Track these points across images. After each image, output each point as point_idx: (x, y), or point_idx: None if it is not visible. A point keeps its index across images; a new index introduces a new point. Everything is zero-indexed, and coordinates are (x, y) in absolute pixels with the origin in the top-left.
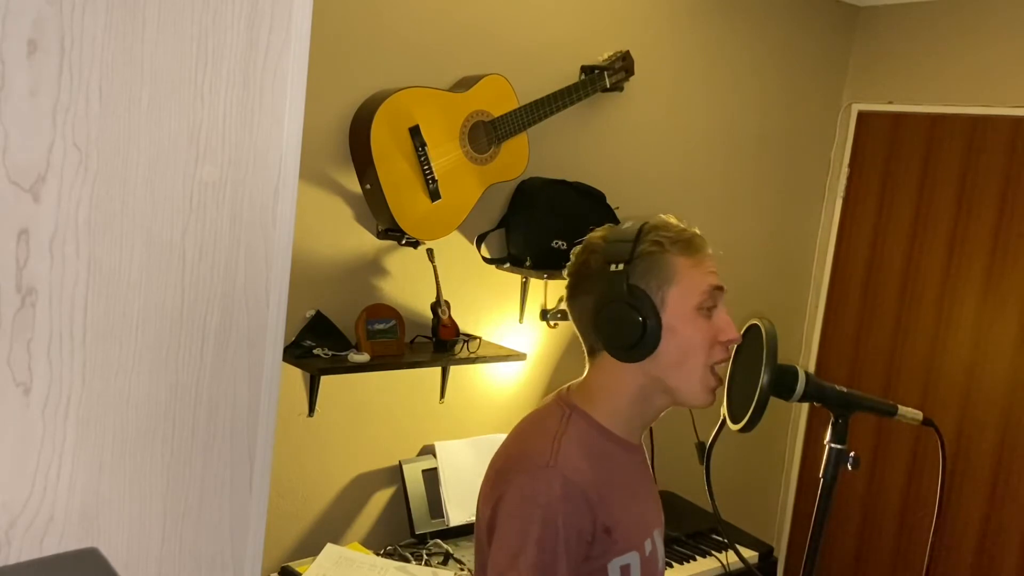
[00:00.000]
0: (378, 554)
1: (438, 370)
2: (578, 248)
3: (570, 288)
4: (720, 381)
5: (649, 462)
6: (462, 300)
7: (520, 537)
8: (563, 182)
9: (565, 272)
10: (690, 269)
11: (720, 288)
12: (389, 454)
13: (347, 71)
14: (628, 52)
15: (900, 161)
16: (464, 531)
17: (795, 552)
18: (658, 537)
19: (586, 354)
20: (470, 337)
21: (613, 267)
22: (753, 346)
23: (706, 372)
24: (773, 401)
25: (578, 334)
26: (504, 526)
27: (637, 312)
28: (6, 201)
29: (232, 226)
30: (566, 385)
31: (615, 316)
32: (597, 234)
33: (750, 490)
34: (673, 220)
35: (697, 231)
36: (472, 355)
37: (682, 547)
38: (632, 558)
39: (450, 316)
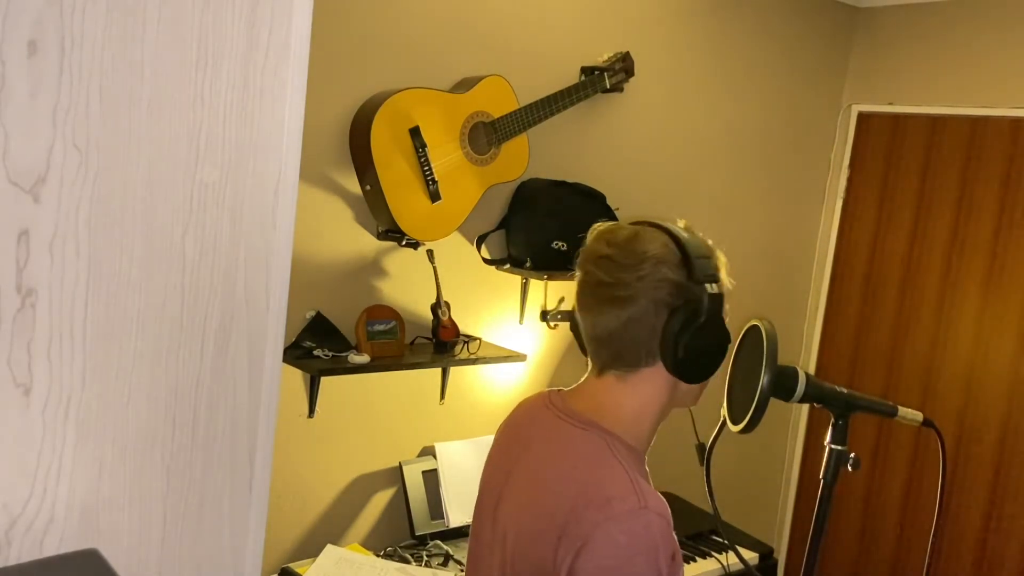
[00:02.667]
0: (378, 555)
1: (438, 371)
2: (618, 252)
3: (620, 300)
4: None
5: None
6: (462, 301)
7: None
8: (563, 183)
9: (600, 273)
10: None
11: None
12: (389, 455)
13: (347, 72)
14: (628, 53)
15: (900, 162)
16: (464, 532)
17: (795, 553)
18: None
19: (606, 366)
20: (470, 338)
21: (711, 287)
22: (753, 347)
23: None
24: (773, 402)
25: (604, 345)
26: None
27: (728, 335)
28: (6, 202)
29: (232, 227)
30: (549, 395)
31: (709, 337)
32: (645, 238)
33: (750, 491)
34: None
35: None
36: (472, 356)
37: (682, 548)
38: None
39: (450, 317)
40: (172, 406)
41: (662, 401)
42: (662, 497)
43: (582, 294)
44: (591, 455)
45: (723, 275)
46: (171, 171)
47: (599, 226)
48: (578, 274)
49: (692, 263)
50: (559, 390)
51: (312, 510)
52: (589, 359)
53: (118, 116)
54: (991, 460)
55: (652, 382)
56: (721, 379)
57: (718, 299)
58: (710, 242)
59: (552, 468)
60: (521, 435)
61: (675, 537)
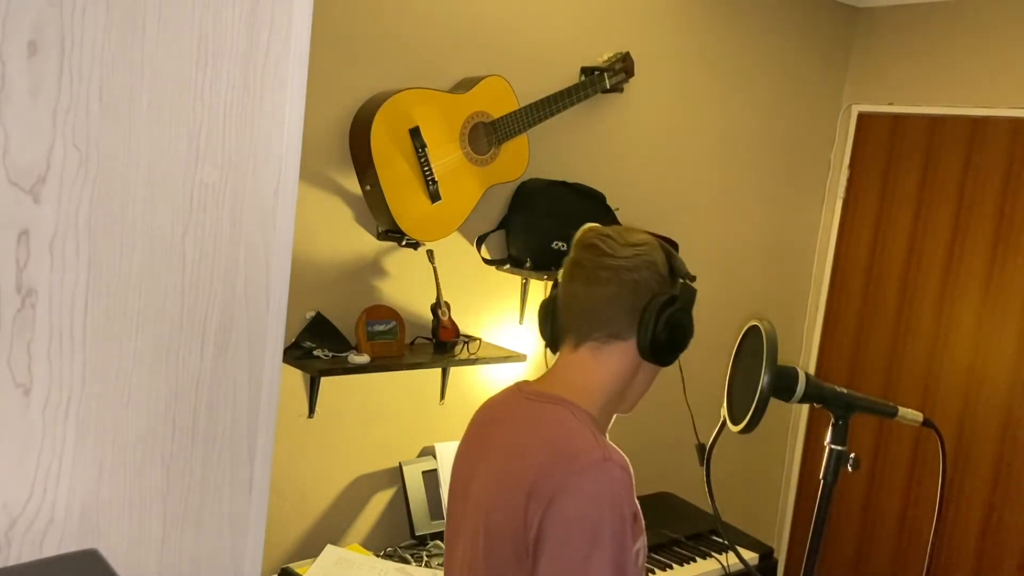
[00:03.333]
0: (378, 555)
1: (438, 371)
2: (620, 230)
3: (619, 268)
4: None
5: None
6: (462, 301)
7: (592, 536)
8: (563, 183)
9: (603, 244)
10: None
11: None
12: (389, 455)
13: (347, 72)
14: (628, 53)
15: (900, 162)
16: None
17: (795, 553)
18: None
19: (582, 338)
20: (470, 338)
21: (686, 281)
22: (753, 347)
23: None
24: (773, 402)
25: (588, 313)
26: (567, 529)
27: (692, 330)
28: (6, 202)
29: (232, 227)
30: (518, 384)
31: (680, 322)
32: (641, 237)
33: (750, 491)
34: None
35: None
36: (472, 356)
37: (682, 548)
38: (642, 541)
39: (450, 317)
40: (172, 406)
41: (624, 379)
42: (625, 456)
43: (576, 267)
44: (558, 422)
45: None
46: (171, 171)
47: (587, 226)
48: (571, 253)
49: (674, 260)
50: (527, 380)
51: (312, 510)
52: (564, 338)
53: (118, 116)
54: (991, 460)
55: (622, 358)
56: (721, 379)
57: (693, 293)
58: None
59: (522, 439)
60: (492, 418)
61: (635, 499)
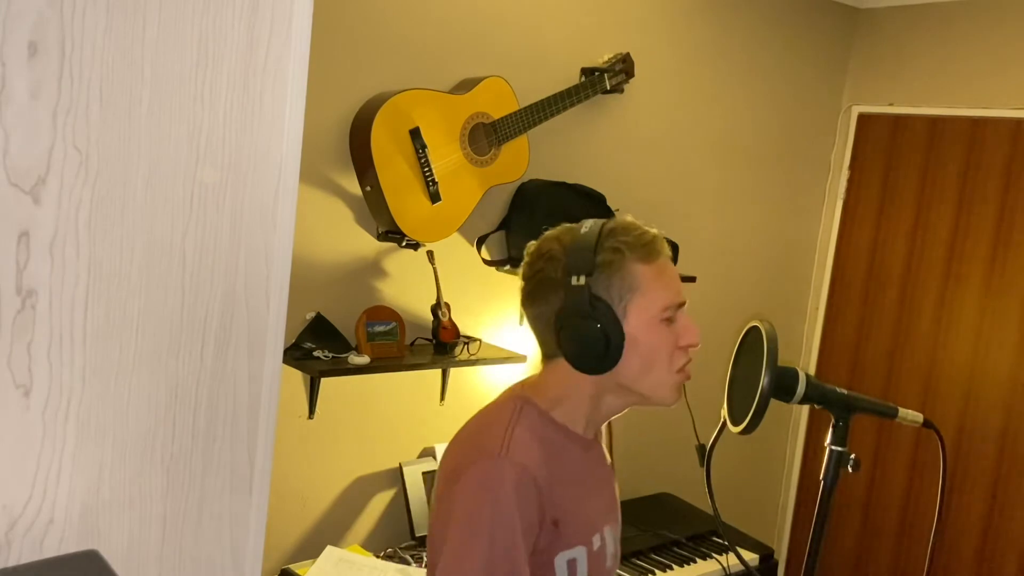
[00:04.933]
0: (378, 556)
1: (438, 372)
2: (531, 250)
3: (526, 294)
4: (687, 377)
5: (608, 457)
6: (462, 302)
7: (472, 527)
8: (563, 184)
9: (520, 275)
10: (652, 280)
11: (682, 303)
12: (389, 456)
13: (347, 73)
14: (628, 54)
15: (900, 163)
16: None
17: (796, 554)
18: (609, 533)
19: (540, 355)
20: (470, 339)
21: (575, 279)
22: (753, 348)
23: (671, 375)
24: (773, 403)
25: (534, 336)
26: (457, 517)
27: (601, 328)
28: (6, 203)
29: (232, 228)
30: (519, 381)
31: (579, 331)
32: (552, 236)
33: (751, 492)
34: (630, 220)
35: (656, 232)
36: (472, 357)
37: (682, 549)
38: (579, 552)
39: (450, 318)
40: (172, 406)
41: (584, 391)
42: (539, 459)
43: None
44: (492, 414)
45: (622, 257)
46: (171, 171)
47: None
48: None
49: (569, 258)
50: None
51: (312, 511)
52: None
53: (118, 117)
54: (991, 461)
55: (567, 373)
56: (721, 380)
57: (577, 291)
58: (620, 229)
59: (461, 433)
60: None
61: (545, 502)
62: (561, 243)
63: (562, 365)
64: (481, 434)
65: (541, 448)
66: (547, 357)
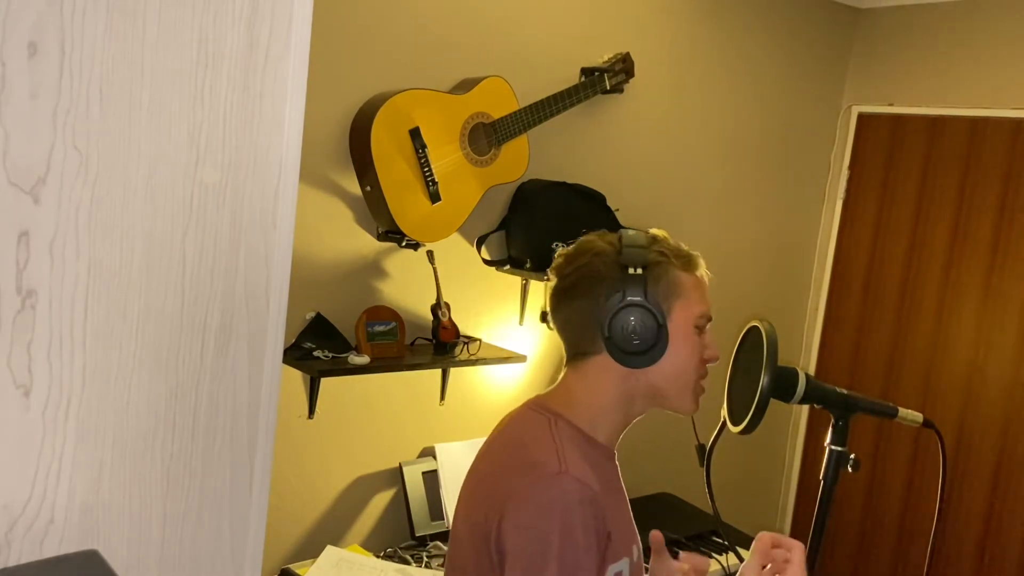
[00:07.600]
0: (378, 556)
1: (438, 372)
2: (570, 251)
3: (562, 289)
4: (704, 390)
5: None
6: (462, 302)
7: (541, 549)
8: (563, 184)
9: (553, 274)
10: (692, 289)
11: (711, 318)
12: (389, 456)
13: (347, 73)
14: (628, 54)
15: (900, 163)
16: None
17: None
18: (638, 544)
19: (566, 359)
20: (470, 339)
21: (632, 270)
22: (753, 348)
23: (698, 384)
24: (773, 403)
25: (562, 337)
26: (519, 539)
27: (655, 317)
28: (6, 203)
29: (232, 228)
30: (531, 398)
31: (637, 316)
32: (593, 237)
33: (750, 492)
34: (665, 233)
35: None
36: (472, 357)
37: (682, 549)
38: (624, 565)
39: (450, 318)
40: (172, 406)
41: (615, 391)
42: (590, 471)
43: (548, 296)
44: (528, 431)
45: (667, 261)
46: (171, 171)
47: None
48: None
49: (623, 252)
50: (540, 394)
51: (312, 511)
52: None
53: (118, 117)
54: (991, 461)
55: (602, 371)
56: (721, 379)
57: (636, 280)
58: (662, 239)
59: (495, 446)
60: (498, 427)
61: (602, 515)
62: (607, 241)
63: (593, 365)
64: (527, 449)
65: (586, 461)
66: (578, 356)
